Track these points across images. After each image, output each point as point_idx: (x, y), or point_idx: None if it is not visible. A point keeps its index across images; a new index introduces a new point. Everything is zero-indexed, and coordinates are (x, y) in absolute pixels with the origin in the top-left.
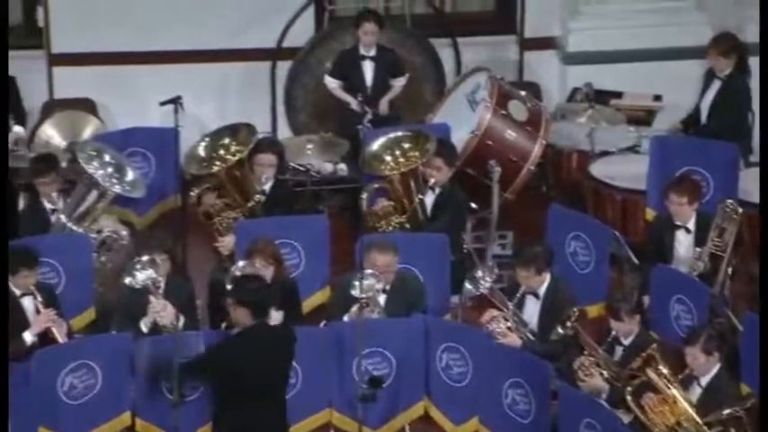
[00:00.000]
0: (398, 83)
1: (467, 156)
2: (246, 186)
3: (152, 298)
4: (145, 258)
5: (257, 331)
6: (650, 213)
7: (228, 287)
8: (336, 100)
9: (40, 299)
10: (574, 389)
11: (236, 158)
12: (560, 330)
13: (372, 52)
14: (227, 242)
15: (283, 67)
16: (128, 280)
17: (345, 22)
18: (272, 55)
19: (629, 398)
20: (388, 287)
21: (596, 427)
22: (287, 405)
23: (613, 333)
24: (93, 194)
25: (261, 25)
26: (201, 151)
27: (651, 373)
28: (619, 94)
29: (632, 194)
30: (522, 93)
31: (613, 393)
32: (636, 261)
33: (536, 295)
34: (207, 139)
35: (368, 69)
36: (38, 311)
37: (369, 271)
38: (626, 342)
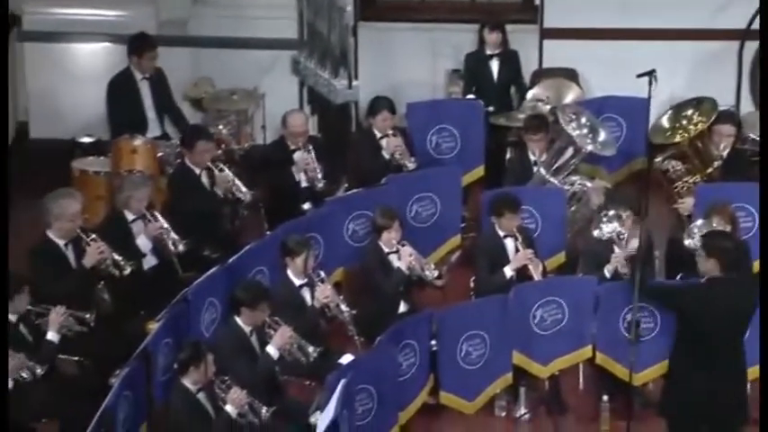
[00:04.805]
0: None
1: None
2: (706, 154)
3: (616, 248)
4: (612, 213)
5: (724, 283)
6: None
7: (691, 241)
8: None
9: (519, 240)
10: None
11: (698, 129)
12: None
13: None
14: (686, 203)
15: (750, 47)
16: (595, 232)
17: None
18: (742, 35)
19: None
20: None
21: None
22: (744, 355)
23: None
24: (570, 151)
25: (733, 8)
26: (665, 122)
27: None
28: None
29: None
30: None
31: None
32: None
33: None
34: (670, 111)
35: None
36: (517, 251)
37: None
38: None
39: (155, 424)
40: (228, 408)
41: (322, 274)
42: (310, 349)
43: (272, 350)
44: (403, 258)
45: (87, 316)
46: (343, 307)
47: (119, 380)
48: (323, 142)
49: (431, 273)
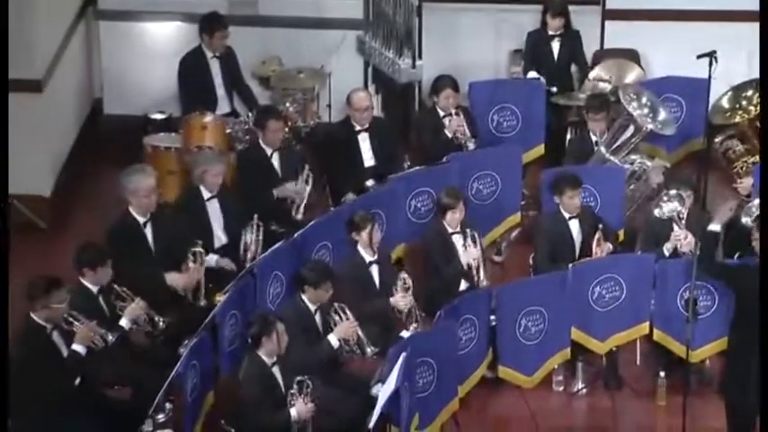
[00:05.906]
0: None
1: None
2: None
3: (675, 227)
4: (672, 192)
5: None
6: None
7: (749, 220)
8: None
9: (599, 236)
10: None
11: (758, 110)
12: None
13: None
14: (745, 183)
15: None
16: (656, 211)
17: None
18: None
19: None
20: None
21: None
22: None
23: None
24: (630, 130)
25: None
26: (725, 103)
27: None
28: None
29: None
30: None
31: None
32: None
33: None
34: (730, 91)
35: None
36: (584, 237)
37: None
38: None
39: (221, 393)
40: (293, 412)
41: (408, 281)
42: (368, 350)
43: (333, 339)
44: (468, 254)
45: (161, 321)
46: (416, 312)
47: (187, 350)
48: (386, 122)
49: (484, 279)
